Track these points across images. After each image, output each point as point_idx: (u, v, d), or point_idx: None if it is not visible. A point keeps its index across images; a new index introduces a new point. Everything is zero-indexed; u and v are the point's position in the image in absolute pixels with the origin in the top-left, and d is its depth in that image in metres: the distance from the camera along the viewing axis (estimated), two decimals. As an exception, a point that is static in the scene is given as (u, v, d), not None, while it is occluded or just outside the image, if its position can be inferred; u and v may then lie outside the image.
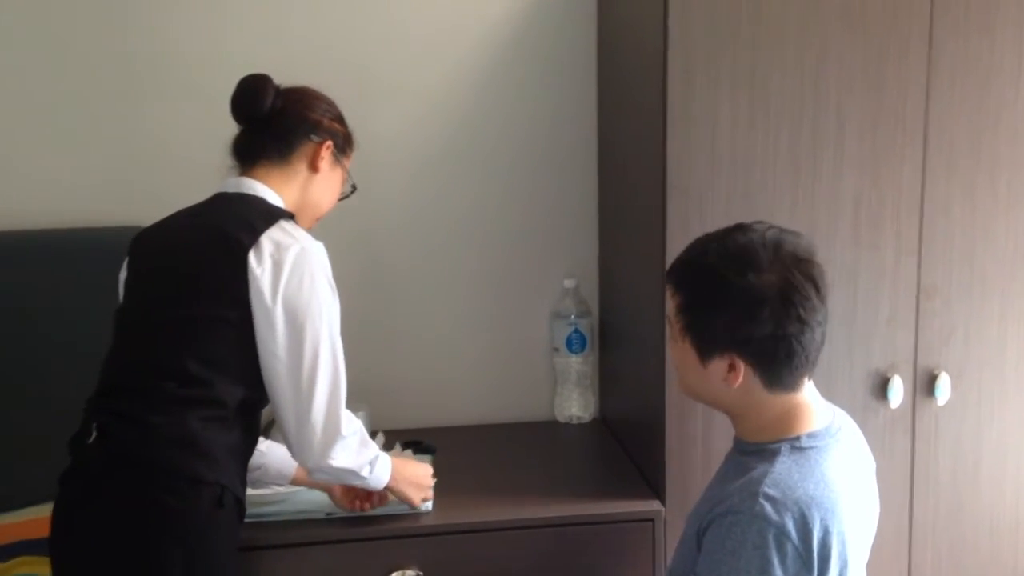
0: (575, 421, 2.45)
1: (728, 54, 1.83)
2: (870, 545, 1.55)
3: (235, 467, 1.67)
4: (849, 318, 1.95)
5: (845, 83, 1.87)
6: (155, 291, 1.69)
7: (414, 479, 1.88)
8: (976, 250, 1.98)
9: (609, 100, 2.33)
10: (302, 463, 1.72)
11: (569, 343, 2.38)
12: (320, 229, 2.27)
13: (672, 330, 1.55)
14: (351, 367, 2.22)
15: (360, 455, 1.73)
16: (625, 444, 2.26)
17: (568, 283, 2.40)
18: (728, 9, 1.82)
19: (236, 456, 1.68)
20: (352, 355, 2.31)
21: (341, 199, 1.93)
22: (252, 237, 1.64)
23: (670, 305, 1.55)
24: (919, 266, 1.96)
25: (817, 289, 1.44)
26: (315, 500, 1.91)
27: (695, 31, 1.81)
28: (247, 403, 1.67)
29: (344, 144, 1.89)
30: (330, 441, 1.68)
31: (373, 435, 2.06)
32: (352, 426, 1.72)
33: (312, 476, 1.75)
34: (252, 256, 1.63)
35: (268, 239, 1.66)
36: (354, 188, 1.94)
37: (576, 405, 2.45)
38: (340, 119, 1.89)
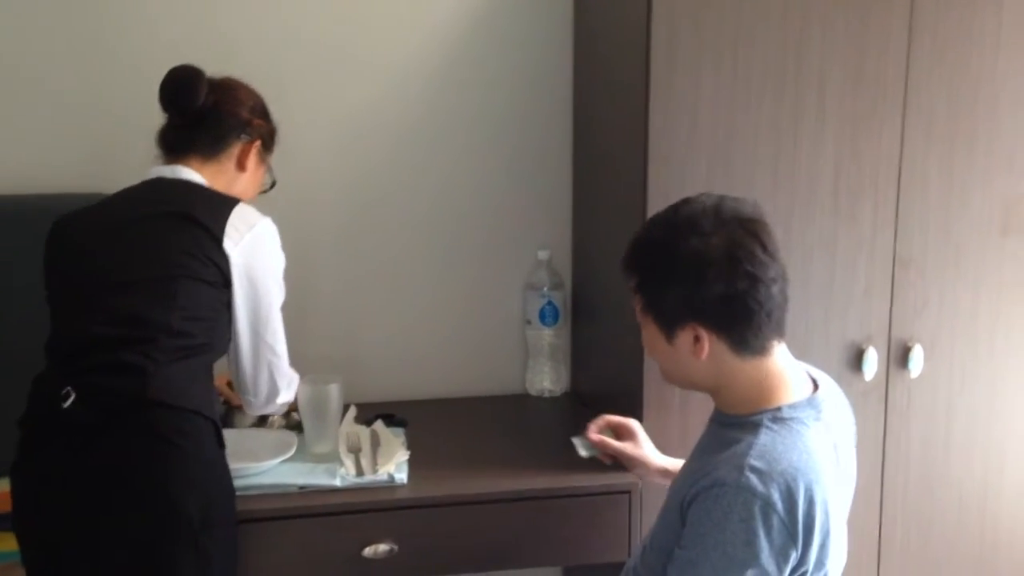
0: (547, 394, 2.44)
1: (711, 22, 1.81)
2: (847, 514, 1.56)
3: (217, 411, 1.78)
4: (826, 289, 1.96)
5: (827, 52, 1.87)
6: (116, 256, 1.70)
7: None
8: (952, 221, 1.99)
9: (585, 69, 2.30)
10: (250, 409, 1.90)
11: (542, 315, 2.36)
12: (293, 201, 2.25)
13: (637, 315, 1.56)
14: (324, 340, 2.25)
15: (291, 389, 1.92)
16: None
17: (541, 255, 2.37)
18: (712, -24, 1.80)
19: (216, 402, 1.79)
20: (324, 328, 2.33)
21: (261, 193, 1.98)
22: (222, 219, 1.72)
23: (629, 291, 1.56)
24: (895, 237, 1.97)
25: (763, 245, 1.45)
26: (289, 473, 1.88)
27: (679, 1, 1.79)
28: (218, 355, 1.78)
29: (270, 141, 1.96)
30: (274, 390, 1.86)
31: (345, 408, 2.04)
32: (286, 371, 1.89)
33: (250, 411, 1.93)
34: (226, 234, 1.71)
35: (233, 220, 1.73)
36: (273, 183, 2.00)
37: (548, 378, 2.43)
38: (267, 115, 1.95)
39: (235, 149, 1.87)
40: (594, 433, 1.85)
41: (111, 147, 2.21)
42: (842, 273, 1.96)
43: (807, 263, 1.94)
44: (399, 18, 2.30)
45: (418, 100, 2.34)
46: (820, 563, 1.42)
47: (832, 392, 1.58)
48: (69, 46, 2.21)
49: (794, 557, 1.39)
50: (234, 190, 1.87)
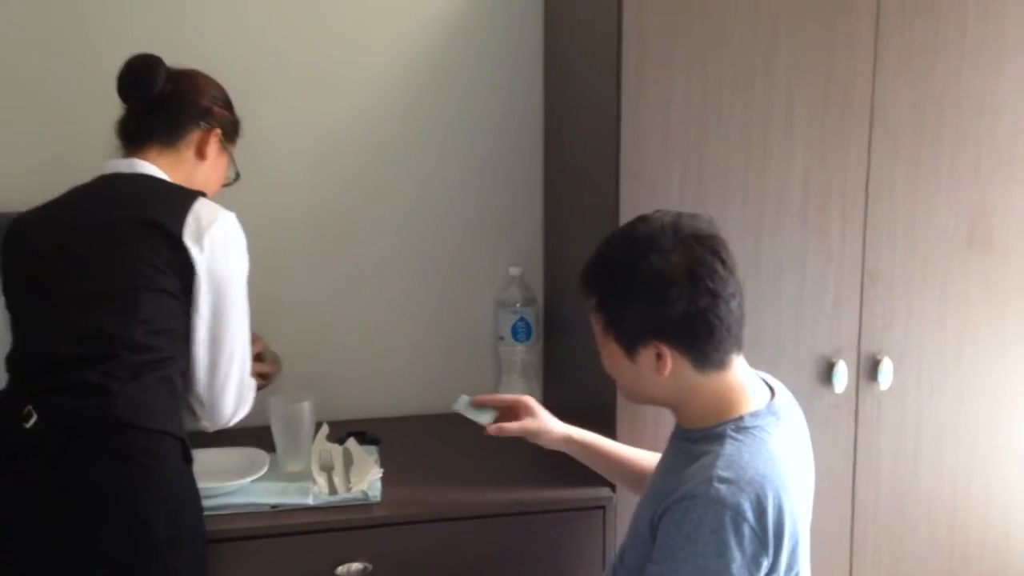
0: (520, 411, 2.43)
1: (681, 37, 1.82)
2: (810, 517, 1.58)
3: (184, 426, 1.70)
4: (796, 303, 1.97)
5: (795, 66, 1.89)
6: (77, 267, 1.67)
7: None
8: (919, 233, 2.01)
9: (556, 85, 2.31)
10: (208, 424, 1.78)
11: (515, 332, 2.36)
12: (263, 217, 2.24)
13: (596, 335, 1.58)
14: (295, 357, 2.21)
15: (250, 402, 1.83)
16: (572, 432, 2.25)
17: (513, 271, 2.37)
18: (681, -9, 1.82)
19: (182, 416, 1.71)
20: (296, 345, 2.31)
21: (225, 186, 1.96)
22: (182, 216, 1.68)
23: (588, 310, 1.57)
24: (864, 250, 1.99)
25: (722, 261, 1.48)
26: (261, 492, 1.87)
27: (649, 14, 1.80)
28: (184, 367, 1.72)
29: (232, 131, 1.92)
30: (241, 404, 1.79)
31: (317, 426, 2.03)
32: (248, 382, 1.82)
33: (207, 429, 1.81)
34: (186, 236, 1.67)
35: (194, 215, 1.69)
36: (238, 176, 1.97)
37: (521, 394, 2.41)
38: (229, 106, 1.92)
39: (194, 136, 1.83)
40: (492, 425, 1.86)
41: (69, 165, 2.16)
42: (812, 286, 1.97)
43: (777, 276, 1.95)
44: (370, 33, 2.30)
45: (388, 116, 2.34)
46: (791, 568, 1.44)
47: (787, 397, 1.60)
48: (36, 57, 2.18)
49: (766, 565, 1.40)
50: (195, 181, 1.84)
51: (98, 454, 1.56)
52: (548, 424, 1.85)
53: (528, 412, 1.86)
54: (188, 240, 1.66)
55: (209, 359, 1.73)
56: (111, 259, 1.66)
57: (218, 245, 1.70)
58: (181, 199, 1.72)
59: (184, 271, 1.67)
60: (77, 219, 1.72)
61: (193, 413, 1.77)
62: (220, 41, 2.21)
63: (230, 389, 1.76)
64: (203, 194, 1.78)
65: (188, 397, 1.75)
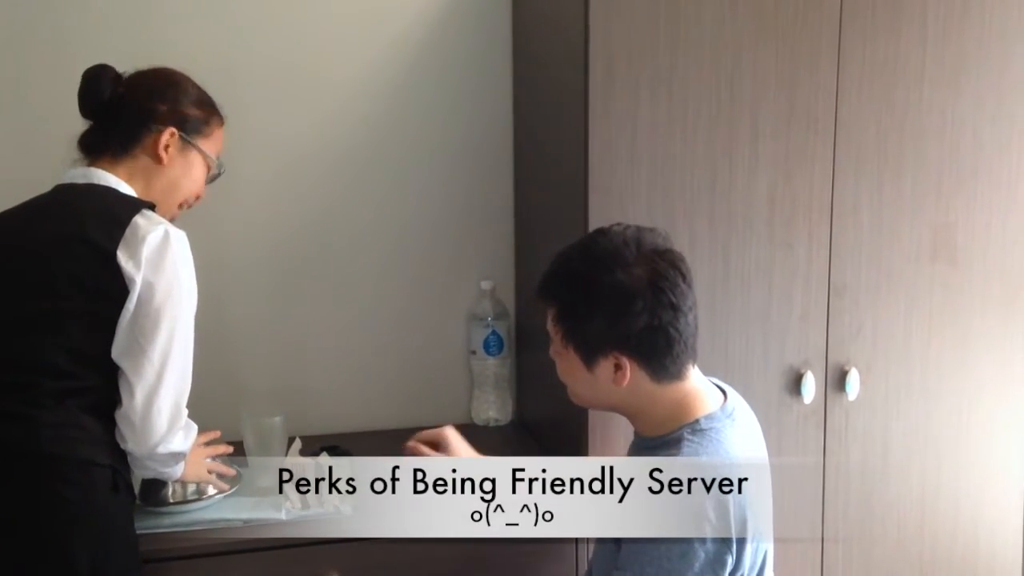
0: (492, 424, 2.44)
1: (648, 54, 1.85)
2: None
3: (120, 454, 1.63)
4: (764, 316, 1.99)
5: (759, 84, 1.91)
6: (7, 290, 1.62)
7: (198, 462, 1.85)
8: (883, 248, 2.04)
9: (525, 100, 2.33)
10: (135, 447, 1.62)
11: (486, 345, 2.37)
12: (232, 232, 2.24)
13: (554, 343, 1.59)
14: (265, 372, 2.21)
15: (187, 438, 1.69)
16: (545, 446, 2.26)
17: (485, 285, 2.39)
18: (647, 10, 1.83)
19: (117, 445, 1.63)
20: (266, 360, 2.30)
21: (209, 182, 1.87)
22: (118, 231, 1.60)
23: (547, 319, 1.59)
24: (829, 264, 2.01)
25: (682, 275, 1.51)
26: (233, 507, 1.86)
27: (616, 32, 1.82)
28: (114, 393, 1.63)
29: (196, 127, 1.80)
30: (173, 426, 1.64)
31: (290, 441, 2.03)
32: (185, 412, 1.68)
33: (140, 463, 1.65)
34: (120, 250, 1.59)
35: (132, 229, 1.61)
36: (221, 170, 1.88)
37: (494, 408, 2.43)
38: (198, 103, 1.81)
39: (147, 140, 1.74)
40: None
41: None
42: (779, 300, 2.00)
43: (745, 290, 1.97)
44: (338, 44, 2.31)
45: (357, 129, 2.34)
46: (754, 565, 1.47)
47: (738, 398, 1.64)
48: (7, 63, 2.18)
49: (730, 562, 1.43)
50: (158, 185, 1.75)
51: (19, 486, 1.53)
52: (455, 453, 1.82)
53: (445, 448, 1.82)
54: (122, 255, 1.58)
55: (142, 374, 1.60)
56: (41, 282, 1.60)
57: (155, 257, 1.60)
58: (123, 211, 1.63)
59: (118, 290, 1.58)
60: (15, 238, 1.66)
61: (123, 438, 1.63)
62: (184, 52, 2.17)
63: (161, 408, 1.62)
64: (152, 206, 1.69)
65: (117, 418, 1.62)
